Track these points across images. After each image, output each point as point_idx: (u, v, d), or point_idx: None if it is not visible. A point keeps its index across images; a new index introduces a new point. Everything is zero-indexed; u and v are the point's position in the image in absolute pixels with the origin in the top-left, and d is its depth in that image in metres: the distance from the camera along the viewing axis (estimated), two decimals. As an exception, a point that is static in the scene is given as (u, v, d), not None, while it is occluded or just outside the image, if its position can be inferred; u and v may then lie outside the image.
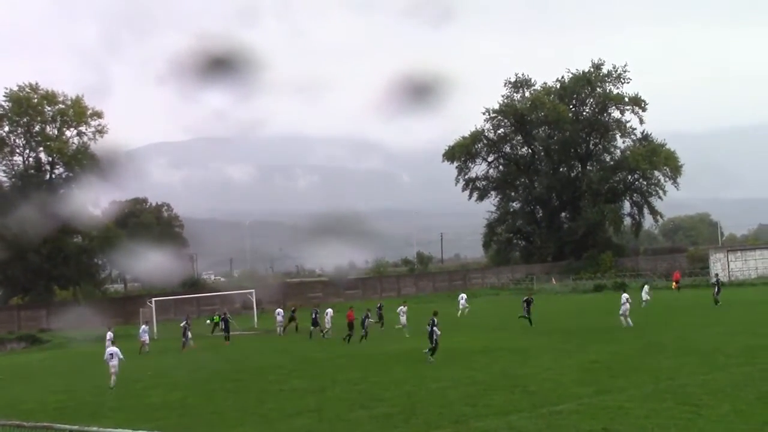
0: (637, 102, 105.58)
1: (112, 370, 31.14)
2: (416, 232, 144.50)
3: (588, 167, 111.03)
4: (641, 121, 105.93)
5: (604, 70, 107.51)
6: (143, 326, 49.14)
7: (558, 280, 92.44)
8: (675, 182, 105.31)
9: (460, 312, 58.84)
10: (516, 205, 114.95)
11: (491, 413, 20.94)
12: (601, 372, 27.05)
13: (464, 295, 62.73)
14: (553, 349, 34.90)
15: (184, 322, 48.59)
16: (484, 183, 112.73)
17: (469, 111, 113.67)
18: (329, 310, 50.99)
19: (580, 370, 27.90)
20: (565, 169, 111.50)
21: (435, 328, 33.24)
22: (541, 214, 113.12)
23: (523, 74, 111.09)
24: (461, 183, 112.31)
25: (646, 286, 58.41)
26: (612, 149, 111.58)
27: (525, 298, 49.21)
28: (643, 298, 53.35)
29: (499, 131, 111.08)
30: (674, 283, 75.43)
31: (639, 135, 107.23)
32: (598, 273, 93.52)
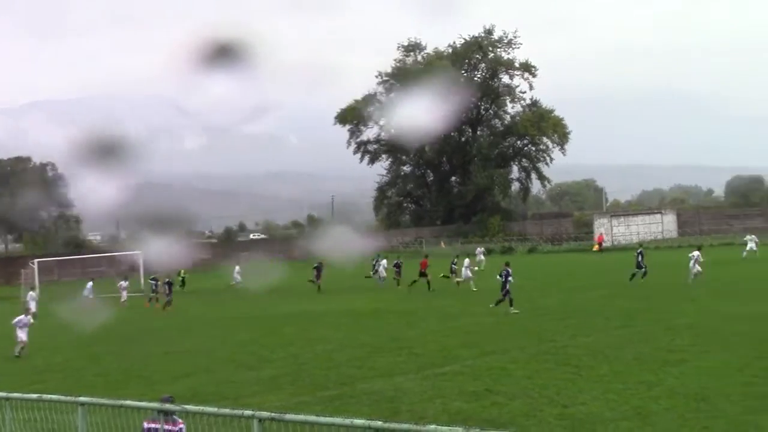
0: (527, 68, 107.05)
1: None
2: (308, 195, 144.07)
3: (478, 132, 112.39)
4: (531, 87, 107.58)
5: (495, 35, 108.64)
6: (30, 293, 45.61)
7: (447, 243, 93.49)
8: (562, 148, 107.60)
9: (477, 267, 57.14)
10: (407, 168, 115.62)
11: (377, 375, 21.10)
12: (485, 334, 27.50)
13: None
14: (440, 312, 35.37)
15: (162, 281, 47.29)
16: (375, 146, 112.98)
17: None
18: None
19: (465, 332, 28.32)
20: (455, 133, 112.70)
21: (510, 278, 33.29)
22: (431, 178, 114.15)
23: (415, 38, 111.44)
24: (353, 146, 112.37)
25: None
26: (502, 114, 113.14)
27: (395, 261, 51.06)
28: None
29: (392, 95, 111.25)
30: (597, 246, 77.85)
31: (528, 101, 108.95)
32: (487, 237, 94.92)
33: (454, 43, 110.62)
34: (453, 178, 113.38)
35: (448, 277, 47.69)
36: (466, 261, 49.05)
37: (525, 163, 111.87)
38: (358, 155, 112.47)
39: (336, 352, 25.49)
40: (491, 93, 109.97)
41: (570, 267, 59.88)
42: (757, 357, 20.49)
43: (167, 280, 47.85)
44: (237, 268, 58.97)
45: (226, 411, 10.67)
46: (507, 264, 34.76)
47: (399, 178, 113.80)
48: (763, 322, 26.50)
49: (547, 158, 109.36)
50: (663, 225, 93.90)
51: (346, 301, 42.53)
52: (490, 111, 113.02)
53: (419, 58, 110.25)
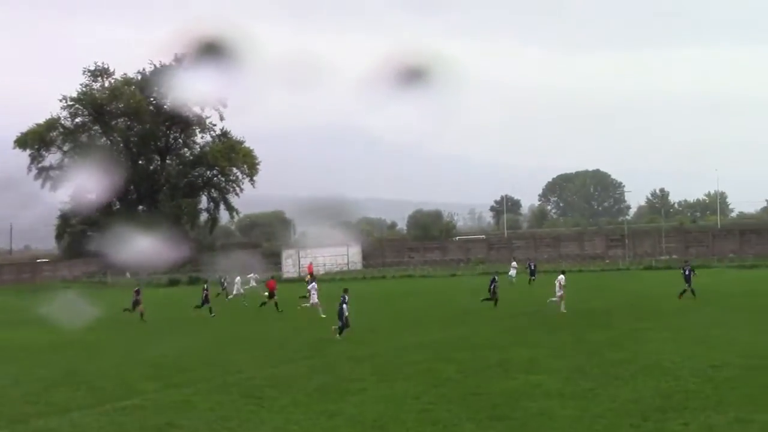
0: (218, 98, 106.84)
1: None
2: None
3: (167, 161, 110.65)
4: (222, 118, 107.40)
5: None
6: None
7: (133, 274, 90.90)
8: (252, 179, 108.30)
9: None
10: (92, 196, 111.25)
11: (53, 411, 19.94)
12: (170, 367, 26.85)
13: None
14: (125, 344, 34.21)
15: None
16: (58, 172, 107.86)
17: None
18: None
19: (150, 365, 27.47)
20: (144, 161, 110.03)
21: (345, 305, 31.86)
22: (118, 207, 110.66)
23: (102, 63, 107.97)
24: (34, 171, 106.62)
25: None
26: (192, 144, 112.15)
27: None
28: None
29: (77, 120, 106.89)
30: (309, 275, 77.69)
31: (219, 131, 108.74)
32: (174, 267, 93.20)
33: (144, 69, 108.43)
34: (140, 207, 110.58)
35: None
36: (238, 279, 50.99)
37: (214, 193, 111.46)
38: (40, 181, 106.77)
39: (10, 388, 23.86)
40: (181, 122, 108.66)
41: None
42: (434, 385, 21.44)
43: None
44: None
45: None
46: (345, 291, 33.64)
47: (83, 206, 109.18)
48: (439, 349, 27.93)
49: (237, 189, 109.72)
50: (349, 257, 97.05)
51: (22, 334, 40.01)
52: (180, 140, 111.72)
53: (107, 83, 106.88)
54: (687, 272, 43.66)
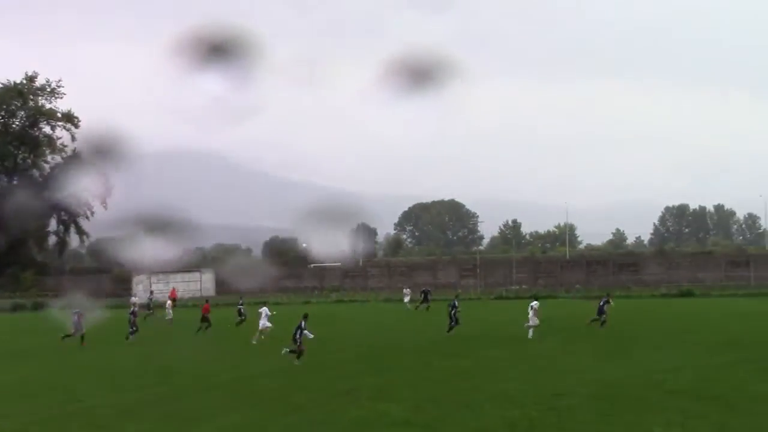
0: (69, 118, 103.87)
1: None
2: None
3: (15, 182, 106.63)
4: (73, 139, 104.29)
5: (38, 83, 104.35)
6: None
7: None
8: (104, 202, 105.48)
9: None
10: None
11: None
12: (12, 393, 25.81)
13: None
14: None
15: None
16: None
17: None
18: None
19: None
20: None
21: (304, 330, 30.82)
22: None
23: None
24: None
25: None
26: (41, 165, 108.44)
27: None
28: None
29: None
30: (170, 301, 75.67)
31: (70, 152, 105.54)
32: (18, 292, 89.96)
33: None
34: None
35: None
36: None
37: (64, 216, 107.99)
38: None
39: None
40: (30, 142, 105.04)
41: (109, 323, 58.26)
42: (283, 413, 21.26)
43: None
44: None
45: None
46: (305, 316, 32.20)
47: None
48: (290, 376, 27.75)
49: (88, 212, 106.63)
50: (202, 283, 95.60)
51: None
52: (29, 160, 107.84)
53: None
54: (602, 303, 44.83)
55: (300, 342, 31.11)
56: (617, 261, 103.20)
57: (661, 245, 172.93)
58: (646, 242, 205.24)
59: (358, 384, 25.74)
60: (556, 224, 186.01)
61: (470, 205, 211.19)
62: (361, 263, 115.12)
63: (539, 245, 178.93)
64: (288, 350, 31.66)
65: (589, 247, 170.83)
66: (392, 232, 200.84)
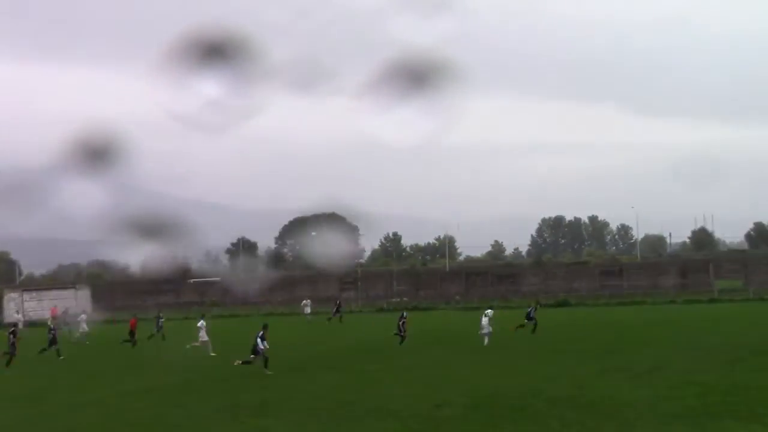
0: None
1: None
2: None
3: None
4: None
5: None
6: None
7: None
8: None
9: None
10: None
11: None
12: None
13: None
14: None
15: None
16: None
17: None
18: None
19: None
20: None
21: (263, 341, 31.68)
22: None
23: None
24: None
25: None
26: None
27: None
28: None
29: None
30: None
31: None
32: None
33: None
34: None
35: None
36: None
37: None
38: None
39: None
40: None
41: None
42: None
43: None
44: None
45: None
46: (265, 327, 32.66)
47: None
48: (166, 394, 27.16)
49: None
50: (77, 300, 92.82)
51: None
52: None
53: None
54: (531, 310, 46.41)
55: (263, 350, 31.83)
56: (496, 272, 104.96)
57: (539, 256, 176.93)
58: (524, 253, 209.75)
59: (238, 400, 25.37)
60: (437, 236, 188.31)
61: (351, 219, 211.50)
62: (242, 277, 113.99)
63: (420, 257, 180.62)
64: (241, 362, 32.20)
65: (469, 259, 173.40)
66: (273, 245, 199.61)
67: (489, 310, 42.52)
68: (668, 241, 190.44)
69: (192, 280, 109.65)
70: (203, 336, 41.19)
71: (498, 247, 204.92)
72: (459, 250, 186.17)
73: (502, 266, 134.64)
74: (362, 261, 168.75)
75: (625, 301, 77.63)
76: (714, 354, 32.43)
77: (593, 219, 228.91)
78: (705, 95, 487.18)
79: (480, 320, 41.55)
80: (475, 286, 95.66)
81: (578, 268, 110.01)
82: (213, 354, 39.72)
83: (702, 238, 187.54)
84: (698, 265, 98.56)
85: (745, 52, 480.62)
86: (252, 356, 32.33)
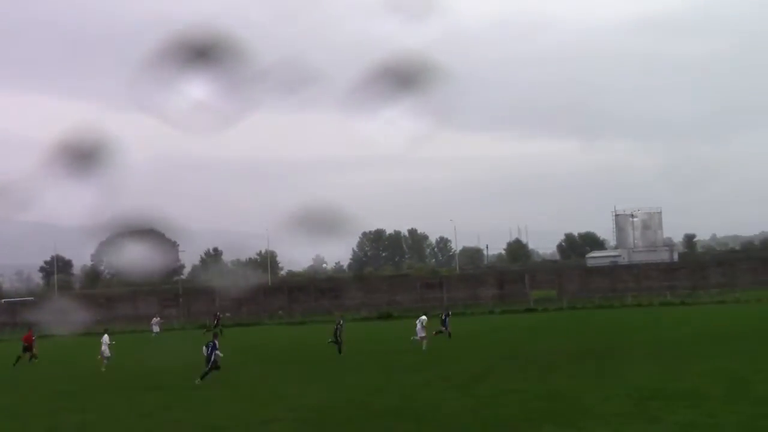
0: None
1: None
2: None
3: None
4: None
5: None
6: None
7: None
8: None
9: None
10: None
11: None
12: None
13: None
14: None
15: None
16: None
17: None
18: None
19: None
20: None
21: (216, 350, 32.62)
22: None
23: None
24: None
25: None
26: None
27: None
28: None
29: None
30: None
31: None
32: None
33: None
34: None
35: None
36: None
37: None
38: None
39: None
40: None
41: None
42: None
43: None
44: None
45: None
46: (215, 336, 34.68)
47: None
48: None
49: None
50: None
51: None
52: None
53: None
54: (444, 317, 48.84)
55: (215, 360, 32.76)
56: (318, 286, 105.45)
57: (360, 270, 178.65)
58: (345, 267, 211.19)
59: (58, 422, 24.36)
60: (258, 251, 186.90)
61: (170, 235, 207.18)
62: (56, 296, 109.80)
63: (242, 273, 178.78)
64: (200, 379, 32.20)
65: (291, 274, 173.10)
66: (89, 263, 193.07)
67: (423, 317, 44.34)
68: (485, 252, 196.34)
69: (3, 300, 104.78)
70: (106, 351, 42.16)
71: (320, 261, 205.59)
72: (281, 265, 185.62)
73: (325, 280, 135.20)
74: (183, 277, 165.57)
75: (446, 313, 79.30)
76: (532, 362, 33.64)
77: (413, 232, 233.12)
78: (525, 111, 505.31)
79: (415, 327, 44.14)
80: (297, 300, 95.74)
81: (399, 280, 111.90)
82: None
83: (516, 249, 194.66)
84: (515, 276, 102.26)
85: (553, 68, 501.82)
86: (211, 365, 32.90)
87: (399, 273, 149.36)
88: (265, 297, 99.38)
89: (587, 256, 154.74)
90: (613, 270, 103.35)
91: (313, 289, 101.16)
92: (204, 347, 33.36)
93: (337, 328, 43.60)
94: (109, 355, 42.33)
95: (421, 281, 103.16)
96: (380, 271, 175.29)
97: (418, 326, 43.61)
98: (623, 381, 26.32)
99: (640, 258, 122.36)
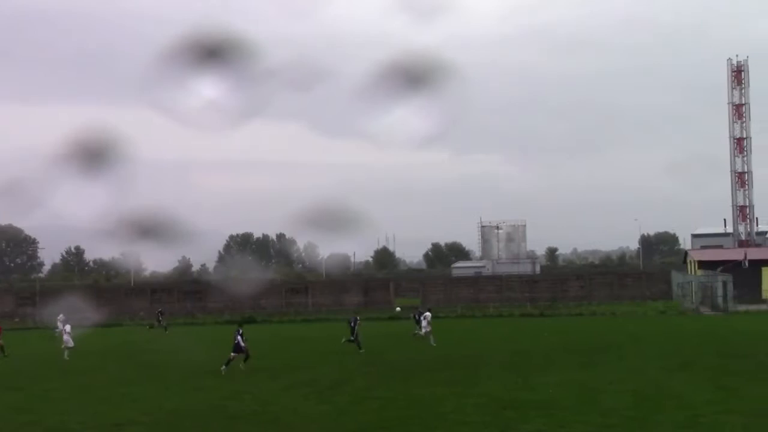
0: None
1: None
2: None
3: None
4: None
5: None
6: None
7: None
8: None
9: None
10: None
11: None
12: None
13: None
14: None
15: None
16: None
17: None
18: None
19: None
20: None
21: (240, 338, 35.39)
22: None
23: None
24: None
25: None
26: None
27: None
28: None
29: None
30: None
31: None
32: None
33: None
34: None
35: None
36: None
37: None
38: None
39: None
40: None
41: None
42: None
43: None
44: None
45: None
46: (240, 325, 38.84)
47: None
48: None
49: None
50: None
51: None
52: None
53: None
54: (417, 316, 49.26)
55: (245, 347, 35.37)
56: (183, 288, 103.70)
57: (226, 273, 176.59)
58: (211, 270, 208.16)
59: None
60: (122, 251, 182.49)
61: (29, 231, 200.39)
62: None
63: (104, 273, 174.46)
64: (225, 366, 34.00)
65: (155, 275, 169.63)
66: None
67: (428, 313, 47.12)
68: (352, 259, 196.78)
69: None
70: (69, 341, 42.98)
71: (185, 263, 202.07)
72: (144, 266, 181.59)
73: (189, 282, 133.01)
74: (41, 275, 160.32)
75: (310, 318, 79.43)
76: (393, 370, 33.96)
77: (281, 236, 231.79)
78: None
79: (420, 323, 47.10)
80: (160, 302, 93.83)
81: (264, 285, 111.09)
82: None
83: (384, 257, 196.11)
84: (380, 284, 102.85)
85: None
86: (233, 354, 35.02)
87: (264, 277, 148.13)
88: (126, 297, 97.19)
89: (453, 266, 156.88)
90: (477, 280, 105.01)
91: (177, 291, 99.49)
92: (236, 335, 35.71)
93: (353, 326, 43.26)
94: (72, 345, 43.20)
95: (287, 286, 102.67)
96: (245, 275, 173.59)
97: (424, 322, 46.17)
98: (480, 390, 26.85)
99: (503, 269, 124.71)
